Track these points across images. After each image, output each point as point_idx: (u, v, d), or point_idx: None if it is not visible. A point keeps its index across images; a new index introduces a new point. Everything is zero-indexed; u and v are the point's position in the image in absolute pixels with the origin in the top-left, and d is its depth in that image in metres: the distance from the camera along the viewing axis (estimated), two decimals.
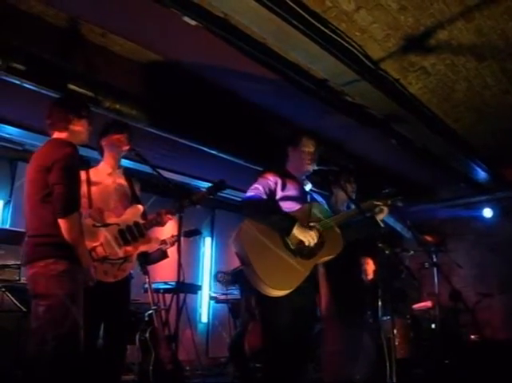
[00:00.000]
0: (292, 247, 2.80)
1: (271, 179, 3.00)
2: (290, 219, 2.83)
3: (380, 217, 3.09)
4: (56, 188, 2.59)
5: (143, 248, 3.31)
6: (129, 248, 3.18)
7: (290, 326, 2.80)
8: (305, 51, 3.82)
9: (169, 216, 3.40)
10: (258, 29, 3.64)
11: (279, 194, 2.98)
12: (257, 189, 2.96)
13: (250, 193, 2.97)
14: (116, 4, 3.54)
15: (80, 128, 2.87)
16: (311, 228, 2.85)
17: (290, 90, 4.56)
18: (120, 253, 3.13)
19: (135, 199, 3.43)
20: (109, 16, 3.69)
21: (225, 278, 5.76)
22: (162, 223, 3.40)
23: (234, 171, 5.70)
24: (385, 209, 3.09)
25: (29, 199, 2.72)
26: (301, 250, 2.82)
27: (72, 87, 3.81)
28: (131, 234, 3.21)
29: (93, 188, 3.25)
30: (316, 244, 2.85)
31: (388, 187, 3.20)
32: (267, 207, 2.91)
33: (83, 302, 2.65)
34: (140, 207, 3.37)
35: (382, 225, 3.09)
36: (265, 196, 2.93)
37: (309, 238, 2.81)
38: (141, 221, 3.30)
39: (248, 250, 2.76)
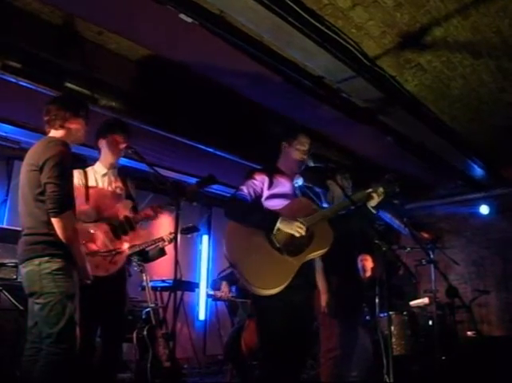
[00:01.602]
0: (277, 245, 2.78)
1: (257, 179, 2.97)
2: (273, 215, 2.80)
3: (371, 203, 3.07)
4: (48, 187, 2.58)
5: (134, 241, 3.33)
6: (120, 242, 3.21)
7: (285, 324, 2.79)
8: (302, 48, 3.83)
9: (159, 210, 3.42)
10: (255, 27, 3.64)
11: (265, 193, 2.95)
12: (241, 190, 2.94)
13: (233, 195, 2.97)
14: (111, 2, 3.54)
15: (76, 126, 2.87)
16: (296, 220, 2.81)
17: (287, 87, 4.56)
18: (111, 246, 3.15)
19: (129, 199, 3.45)
20: (105, 14, 3.68)
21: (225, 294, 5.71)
22: (152, 217, 3.43)
23: (232, 168, 5.70)
24: (375, 195, 3.06)
25: (23, 197, 2.72)
26: (288, 248, 2.80)
27: (68, 85, 3.81)
28: (122, 228, 3.23)
29: (91, 190, 3.28)
30: (303, 240, 2.83)
31: (388, 174, 3.16)
32: (249, 207, 2.88)
33: (79, 299, 2.66)
34: (129, 201, 3.39)
35: (374, 211, 3.07)
36: (248, 197, 2.91)
37: (296, 228, 2.77)
38: (131, 215, 3.32)
39: (233, 253, 2.77)
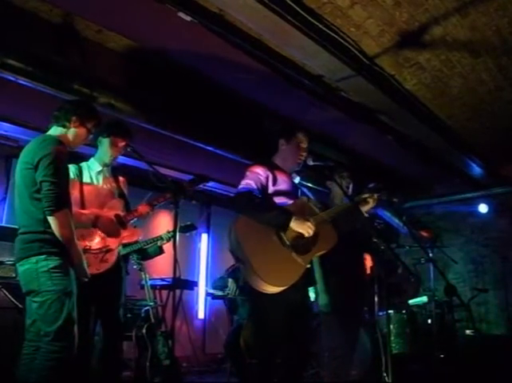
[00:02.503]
0: (287, 243, 2.79)
1: (262, 174, 2.97)
2: (287, 214, 2.80)
3: (364, 208, 3.14)
4: (44, 185, 2.57)
5: (125, 239, 3.33)
6: (111, 240, 3.21)
7: (284, 323, 2.79)
8: (301, 47, 3.82)
9: (155, 202, 3.43)
10: (254, 25, 3.64)
11: (270, 189, 2.96)
12: (248, 185, 2.92)
13: (242, 189, 2.94)
14: (110, 0, 3.53)
15: (78, 131, 2.85)
16: (307, 219, 2.83)
17: (286, 86, 4.56)
18: (101, 244, 3.15)
19: (122, 197, 3.46)
20: (104, 12, 3.68)
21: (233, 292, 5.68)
22: (148, 214, 3.42)
23: (231, 167, 5.70)
24: (370, 201, 3.14)
25: (19, 195, 2.72)
26: (296, 246, 2.81)
27: (67, 83, 3.80)
28: (113, 226, 3.22)
29: (86, 187, 3.29)
30: (309, 239, 2.84)
31: (374, 182, 3.25)
32: (261, 203, 2.88)
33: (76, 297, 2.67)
34: (121, 200, 3.40)
35: (366, 215, 3.13)
36: (257, 192, 2.90)
37: (308, 229, 2.79)
38: (122, 213, 3.32)
39: (244, 247, 2.73)
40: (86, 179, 3.33)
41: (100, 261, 3.13)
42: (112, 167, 3.53)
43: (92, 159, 3.44)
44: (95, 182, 3.37)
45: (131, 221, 3.37)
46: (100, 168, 3.40)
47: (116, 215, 3.28)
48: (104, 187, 3.40)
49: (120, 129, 3.43)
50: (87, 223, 3.11)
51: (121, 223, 3.28)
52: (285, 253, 2.78)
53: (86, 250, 3.05)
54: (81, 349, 2.69)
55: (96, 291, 2.99)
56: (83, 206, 3.21)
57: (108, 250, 3.19)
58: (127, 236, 3.34)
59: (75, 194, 3.13)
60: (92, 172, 3.38)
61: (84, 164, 3.40)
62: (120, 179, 3.57)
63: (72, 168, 3.23)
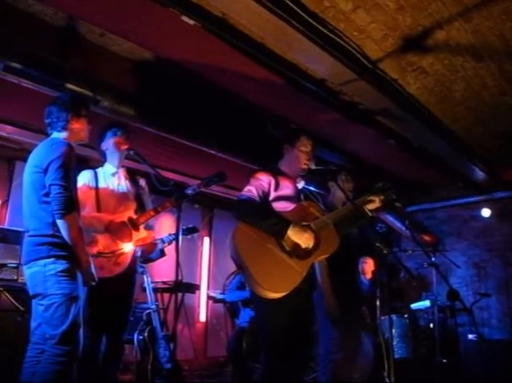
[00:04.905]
0: (287, 249, 2.79)
1: (264, 180, 2.97)
2: (284, 223, 2.80)
3: (370, 207, 3.13)
4: (53, 189, 2.60)
5: (139, 242, 3.33)
6: (123, 243, 3.22)
7: (287, 326, 2.79)
8: (304, 51, 3.83)
9: (160, 209, 3.44)
10: (257, 29, 3.65)
11: (272, 194, 2.96)
12: (250, 191, 2.92)
13: (242, 196, 2.95)
14: (113, 4, 3.54)
15: (79, 126, 2.88)
16: (305, 229, 2.83)
17: (288, 89, 4.56)
18: (114, 247, 3.17)
19: (137, 198, 3.46)
20: (107, 16, 3.68)
21: None
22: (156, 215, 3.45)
23: (234, 170, 5.70)
24: (376, 200, 3.14)
25: (28, 199, 2.73)
26: (297, 251, 2.80)
27: (70, 86, 3.82)
28: (125, 229, 3.23)
29: (101, 191, 3.32)
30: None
31: (382, 181, 3.24)
32: (260, 210, 2.88)
33: (84, 301, 2.67)
34: (133, 203, 3.41)
35: (370, 214, 3.13)
36: (258, 199, 2.90)
37: (305, 240, 2.78)
38: (135, 216, 3.35)
39: (243, 254, 2.73)
40: (101, 183, 3.38)
41: (114, 264, 3.15)
42: (130, 170, 3.58)
43: (106, 164, 3.49)
44: (110, 185, 3.41)
45: (145, 223, 3.39)
46: (114, 170, 3.45)
47: (129, 218, 3.30)
48: (119, 189, 3.44)
49: (113, 128, 3.48)
50: (99, 227, 3.13)
51: (134, 225, 3.30)
52: (284, 258, 2.77)
53: (99, 254, 3.06)
54: (91, 352, 2.71)
55: (106, 295, 3.00)
56: (99, 210, 3.25)
57: (121, 254, 3.20)
58: (140, 239, 3.36)
59: (91, 199, 3.17)
60: (107, 175, 3.43)
61: (99, 169, 3.45)
62: (140, 180, 3.59)
63: (87, 174, 3.29)
